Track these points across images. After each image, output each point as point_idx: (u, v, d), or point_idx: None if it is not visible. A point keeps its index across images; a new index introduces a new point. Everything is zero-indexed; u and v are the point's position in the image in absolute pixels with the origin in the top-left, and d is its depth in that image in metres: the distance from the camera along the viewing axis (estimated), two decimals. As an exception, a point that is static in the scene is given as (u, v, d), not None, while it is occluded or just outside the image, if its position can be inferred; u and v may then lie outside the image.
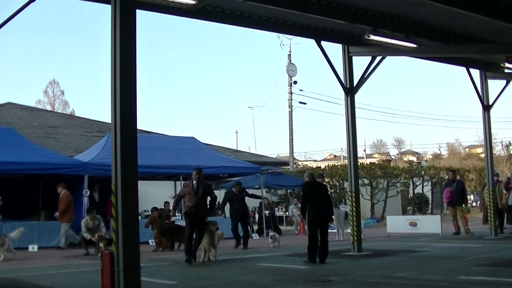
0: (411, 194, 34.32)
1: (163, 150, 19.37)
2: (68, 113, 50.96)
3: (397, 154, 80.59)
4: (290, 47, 40.28)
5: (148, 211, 18.70)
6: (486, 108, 17.59)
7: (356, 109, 14.05)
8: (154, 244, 15.64)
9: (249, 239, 16.14)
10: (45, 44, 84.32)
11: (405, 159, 77.53)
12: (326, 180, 28.14)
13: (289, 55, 39.65)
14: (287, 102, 39.24)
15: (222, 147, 32.32)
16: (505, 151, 56.29)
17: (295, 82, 39.36)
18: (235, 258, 13.02)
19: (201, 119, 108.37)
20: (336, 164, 36.47)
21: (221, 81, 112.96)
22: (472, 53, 15.29)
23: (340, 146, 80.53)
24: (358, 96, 14.14)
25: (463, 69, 17.14)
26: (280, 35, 36.22)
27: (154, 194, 21.42)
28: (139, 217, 10.08)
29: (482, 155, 42.49)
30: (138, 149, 8.14)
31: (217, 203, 14.05)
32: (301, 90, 39.49)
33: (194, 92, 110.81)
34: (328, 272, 10.00)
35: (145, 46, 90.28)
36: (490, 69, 17.37)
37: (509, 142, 57.63)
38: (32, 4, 9.48)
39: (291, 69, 39.24)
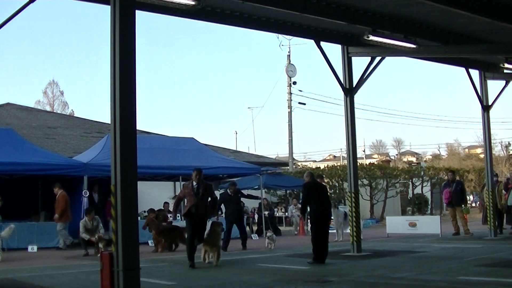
0: (410, 195, 34.33)
1: (163, 150, 19.36)
2: (68, 113, 50.95)
3: (396, 155, 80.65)
4: (289, 47, 40.31)
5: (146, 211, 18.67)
6: (486, 108, 17.59)
7: (356, 110, 14.07)
8: (153, 245, 15.63)
9: (247, 239, 16.10)
10: (45, 45, 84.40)
11: (405, 159, 77.61)
12: (326, 180, 28.20)
13: (289, 56, 39.69)
14: (287, 103, 39.27)
15: (222, 147, 32.33)
16: (505, 151, 56.34)
17: (294, 83, 39.38)
18: (235, 258, 13.01)
19: (200, 119, 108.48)
20: (336, 164, 36.44)
21: (220, 82, 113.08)
22: (471, 53, 15.29)
23: (339, 146, 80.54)
24: (357, 97, 14.15)
25: (463, 69, 17.15)
26: (280, 35, 36.32)
27: (154, 195, 21.39)
28: (139, 218, 10.09)
29: (482, 156, 42.48)
30: (137, 150, 8.14)
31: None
32: (300, 91, 39.56)
33: (194, 93, 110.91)
34: (327, 273, 10.00)
35: (145, 47, 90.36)
36: (490, 70, 17.38)
37: (509, 143, 57.73)
38: (31, 4, 9.48)
39: (291, 70, 39.24)
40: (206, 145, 23.52)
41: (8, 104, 33.99)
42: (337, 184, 30.11)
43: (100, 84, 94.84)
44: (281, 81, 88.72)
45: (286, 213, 26.10)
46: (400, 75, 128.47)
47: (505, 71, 16.40)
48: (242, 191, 19.93)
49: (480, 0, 11.29)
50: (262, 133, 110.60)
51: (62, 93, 57.13)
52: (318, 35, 13.54)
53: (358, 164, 16.19)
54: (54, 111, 49.71)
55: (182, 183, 14.06)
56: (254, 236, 19.77)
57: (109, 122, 8.21)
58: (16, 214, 16.92)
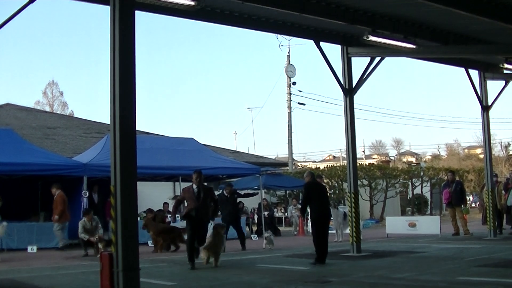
0: (410, 195, 34.34)
1: (162, 151, 19.34)
2: (67, 114, 50.93)
3: (396, 155, 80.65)
4: (289, 48, 40.32)
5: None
6: (485, 108, 17.60)
7: (355, 110, 14.08)
8: (153, 245, 15.62)
9: (245, 239, 16.06)
10: (44, 45, 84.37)
11: (404, 159, 77.61)
12: (325, 181, 28.21)
13: (288, 56, 39.69)
14: (286, 103, 39.26)
15: (221, 148, 32.31)
16: (504, 151, 56.29)
17: (294, 83, 39.36)
18: (234, 259, 13.01)
19: (200, 120, 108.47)
20: (335, 165, 36.45)
21: (220, 82, 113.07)
22: (471, 53, 15.30)
23: (339, 147, 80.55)
24: (357, 97, 14.17)
25: (462, 69, 17.16)
26: (279, 36, 36.28)
27: (153, 195, 21.38)
28: (138, 218, 10.10)
29: (481, 156, 42.45)
30: (137, 150, 8.14)
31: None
32: (300, 91, 39.54)
33: (193, 93, 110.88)
34: (327, 273, 10.00)
35: (144, 47, 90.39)
36: (489, 70, 17.39)
37: (508, 143, 57.66)
38: (31, 5, 9.48)
39: (290, 70, 39.23)
40: (205, 145, 23.49)
41: (7, 104, 33.96)
42: (336, 184, 30.11)
43: (100, 85, 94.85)
44: (281, 81, 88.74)
45: (286, 214, 26.12)
46: (400, 75, 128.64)
47: (505, 71, 16.41)
48: (241, 191, 19.95)
49: (480, 0, 11.30)
50: (262, 134, 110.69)
51: (61, 93, 57.16)
52: (318, 36, 13.54)
53: (358, 164, 16.20)
54: (54, 112, 49.69)
55: (183, 187, 13.88)
56: (254, 237, 19.76)
57: (109, 123, 8.21)
58: (16, 215, 16.90)
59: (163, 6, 9.98)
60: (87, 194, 16.69)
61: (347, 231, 15.51)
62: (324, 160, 77.69)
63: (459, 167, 42.32)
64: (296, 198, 26.28)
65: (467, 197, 31.71)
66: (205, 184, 12.66)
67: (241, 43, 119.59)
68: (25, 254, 14.93)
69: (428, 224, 18.91)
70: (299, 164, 59.94)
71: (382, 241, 17.26)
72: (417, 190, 33.84)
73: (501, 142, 58.48)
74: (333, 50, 14.27)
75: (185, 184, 13.66)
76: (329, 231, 12.46)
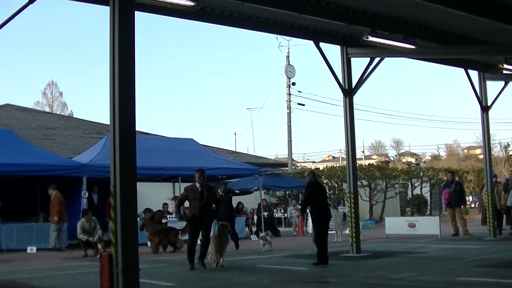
0: (409, 195, 34.33)
1: (162, 151, 19.36)
2: (67, 114, 50.92)
3: (395, 155, 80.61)
4: (288, 48, 40.36)
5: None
6: (485, 109, 17.61)
7: (355, 110, 14.09)
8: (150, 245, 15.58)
9: (238, 239, 15.98)
10: (44, 46, 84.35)
11: (404, 160, 77.56)
12: (325, 181, 28.23)
13: (288, 57, 39.67)
14: (286, 104, 39.25)
15: (221, 148, 32.32)
16: (504, 152, 56.29)
17: (293, 84, 39.34)
18: (234, 259, 13.00)
19: (199, 120, 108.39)
20: (335, 165, 36.46)
21: (219, 83, 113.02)
22: (470, 54, 15.31)
23: (338, 147, 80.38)
24: (356, 97, 14.18)
25: (462, 70, 17.15)
26: (279, 36, 36.24)
27: (153, 196, 21.38)
28: (138, 219, 10.09)
29: (481, 156, 42.49)
30: (136, 151, 8.14)
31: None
32: (299, 92, 39.51)
33: (193, 94, 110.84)
34: (327, 274, 10.00)
35: (144, 48, 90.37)
36: (489, 70, 17.39)
37: (508, 143, 57.66)
38: (30, 5, 9.48)
39: (290, 71, 39.23)
40: (205, 146, 23.51)
41: (7, 105, 33.98)
42: (336, 185, 30.12)
43: (100, 85, 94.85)
44: (280, 82, 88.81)
45: (285, 214, 26.11)
46: (399, 75, 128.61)
47: (504, 71, 16.43)
48: (237, 190, 19.88)
49: (479, 0, 11.30)
50: (261, 134, 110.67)
51: (61, 94, 57.16)
52: (317, 36, 13.54)
53: (357, 165, 16.22)
54: (53, 112, 49.70)
55: (185, 185, 13.71)
56: (254, 237, 19.76)
57: (108, 123, 8.21)
58: (15, 215, 16.92)
59: (163, 7, 9.98)
60: (87, 195, 16.70)
61: (347, 231, 15.51)
62: (323, 161, 77.66)
63: (459, 167, 42.32)
64: (296, 198, 26.27)
65: (467, 198, 31.72)
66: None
67: (241, 44, 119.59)
68: (24, 255, 14.92)
69: (428, 225, 18.91)
70: (298, 164, 59.89)
71: (381, 242, 17.26)
72: (417, 191, 33.82)
73: (501, 142, 58.52)
74: (333, 51, 14.30)
75: (185, 185, 13.57)
76: (329, 232, 12.45)
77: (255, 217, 23.31)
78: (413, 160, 77.84)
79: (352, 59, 14.12)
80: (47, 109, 52.10)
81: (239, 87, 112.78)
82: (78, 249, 14.96)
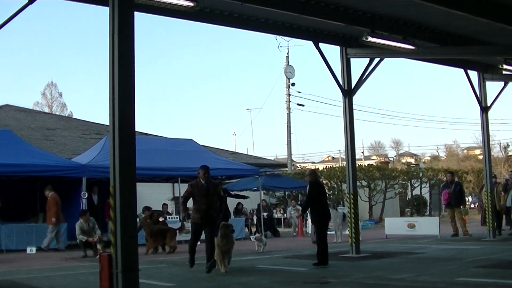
0: (409, 196, 34.33)
1: (161, 152, 19.36)
2: (66, 115, 50.91)
3: (395, 156, 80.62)
4: (288, 49, 40.24)
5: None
6: (484, 109, 17.61)
7: (354, 111, 14.09)
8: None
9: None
10: (43, 46, 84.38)
11: (403, 160, 77.53)
12: (324, 182, 28.21)
13: (287, 57, 39.66)
14: (285, 104, 39.23)
15: (220, 149, 32.31)
16: (503, 152, 56.31)
17: (293, 84, 39.33)
18: (233, 260, 12.96)
19: (199, 121, 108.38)
20: (334, 166, 36.41)
21: (219, 83, 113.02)
22: (470, 54, 15.32)
23: (338, 148, 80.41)
24: (356, 98, 14.16)
25: (461, 70, 17.16)
26: (278, 37, 36.31)
27: (152, 196, 21.39)
28: (137, 219, 10.09)
29: (480, 157, 42.45)
30: (136, 151, 8.14)
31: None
32: (299, 92, 39.50)
33: (192, 94, 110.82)
34: (326, 274, 10.00)
35: (143, 48, 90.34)
36: (488, 71, 17.40)
37: (507, 144, 57.66)
38: (30, 6, 9.48)
39: (289, 71, 39.22)
40: (204, 146, 23.51)
41: (6, 105, 33.97)
42: (335, 185, 30.12)
43: (99, 86, 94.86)
44: (280, 82, 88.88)
45: (285, 215, 26.10)
46: (399, 76, 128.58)
47: (504, 72, 16.43)
48: (239, 192, 19.88)
49: (479, 1, 11.31)
50: (261, 135, 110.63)
51: (60, 94, 57.23)
52: (317, 36, 13.55)
53: (357, 165, 16.22)
54: (53, 113, 49.70)
55: (182, 188, 13.53)
56: (253, 238, 19.72)
57: (108, 124, 8.21)
58: (15, 216, 16.91)
59: (162, 7, 9.99)
60: (86, 195, 16.69)
61: (346, 232, 15.51)
62: (323, 161, 77.64)
63: (458, 168, 42.33)
64: (295, 199, 26.28)
65: (466, 198, 31.72)
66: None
67: (240, 44, 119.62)
68: (24, 255, 14.92)
69: (427, 225, 18.91)
70: (298, 165, 59.88)
71: (381, 242, 17.26)
72: (416, 191, 33.82)
73: (500, 143, 58.52)
74: (332, 51, 14.29)
75: (185, 185, 13.50)
76: (328, 232, 12.45)
77: (255, 218, 23.31)
78: (412, 160, 77.83)
79: (351, 59, 14.12)
80: (46, 110, 52.12)
81: (238, 87, 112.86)
82: (77, 249, 14.96)
